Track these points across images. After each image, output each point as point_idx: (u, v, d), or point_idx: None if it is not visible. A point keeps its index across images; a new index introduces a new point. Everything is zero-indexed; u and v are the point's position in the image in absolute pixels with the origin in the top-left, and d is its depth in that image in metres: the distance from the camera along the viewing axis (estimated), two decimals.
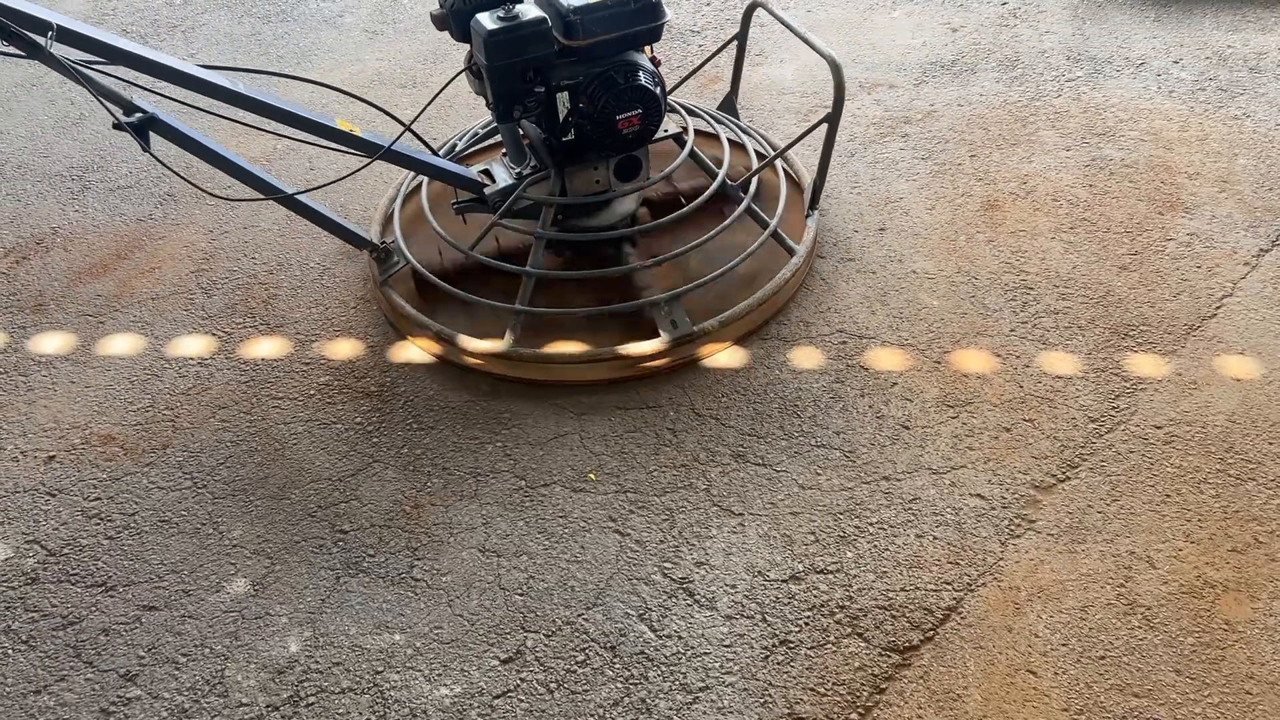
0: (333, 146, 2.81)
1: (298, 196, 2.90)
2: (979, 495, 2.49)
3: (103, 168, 3.96)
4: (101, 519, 2.65)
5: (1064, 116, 3.70)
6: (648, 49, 2.78)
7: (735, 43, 3.37)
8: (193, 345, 3.14)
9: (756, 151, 3.37)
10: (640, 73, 2.68)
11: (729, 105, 3.52)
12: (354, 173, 3.00)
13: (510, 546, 2.48)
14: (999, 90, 3.86)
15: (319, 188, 3.03)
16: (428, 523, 2.56)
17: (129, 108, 2.61)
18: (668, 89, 2.89)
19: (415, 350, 2.99)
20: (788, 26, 3.01)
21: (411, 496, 2.63)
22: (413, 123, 2.87)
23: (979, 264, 3.12)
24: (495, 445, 2.73)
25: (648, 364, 2.82)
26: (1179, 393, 2.68)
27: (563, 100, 2.72)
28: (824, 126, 2.95)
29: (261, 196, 3.14)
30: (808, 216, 3.16)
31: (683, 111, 3.40)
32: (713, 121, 3.37)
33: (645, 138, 2.80)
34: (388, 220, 3.34)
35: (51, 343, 3.20)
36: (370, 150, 2.85)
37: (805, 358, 2.80)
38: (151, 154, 2.55)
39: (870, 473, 2.57)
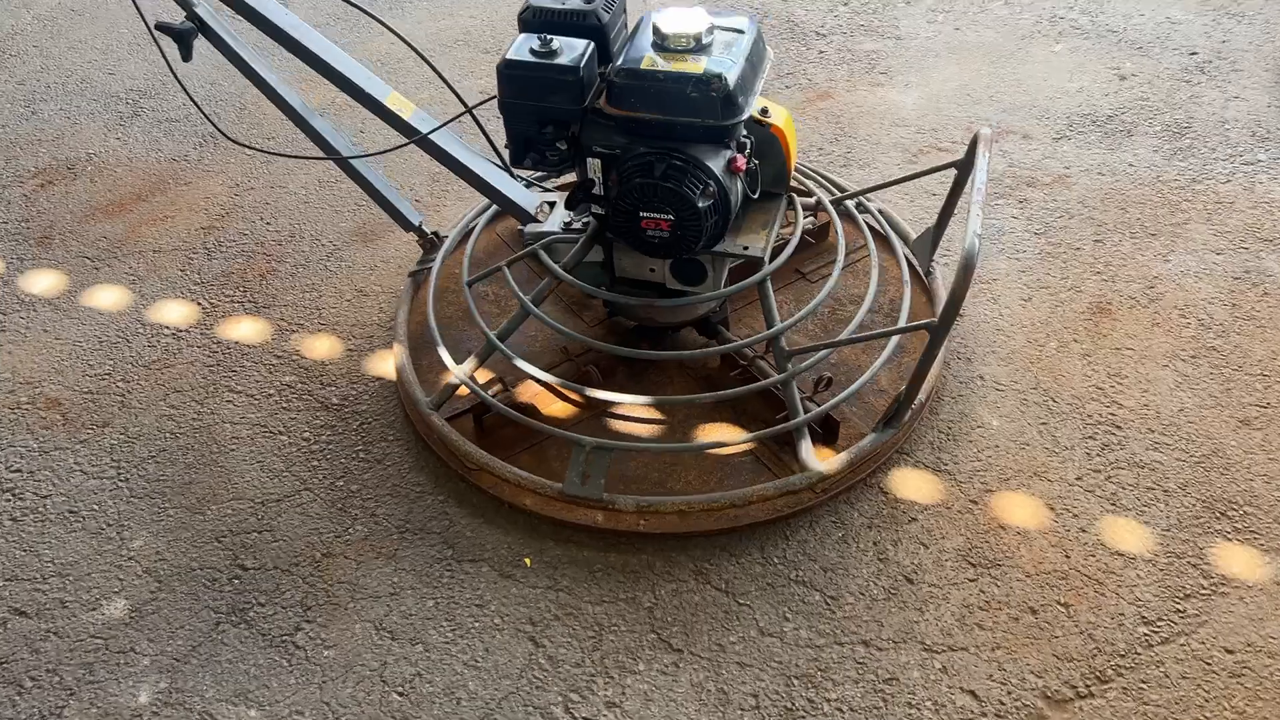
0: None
1: (350, 160, 2.61)
2: (972, 693, 2.00)
3: (160, 95, 3.76)
4: (13, 495, 2.45)
5: (1226, 208, 3.03)
6: (739, 156, 2.21)
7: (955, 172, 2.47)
8: (174, 312, 2.90)
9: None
10: (689, 174, 2.13)
11: (926, 244, 2.72)
12: (384, 151, 2.66)
13: (409, 630, 2.14)
14: (1154, 162, 3.21)
15: (373, 155, 2.67)
16: (332, 578, 2.25)
17: (188, 11, 2.36)
18: (754, 170, 2.30)
19: (393, 363, 2.65)
20: None
21: (327, 542, 2.32)
22: (474, 107, 2.40)
23: (1063, 382, 2.56)
24: (436, 499, 2.39)
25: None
26: (1271, 610, 2.10)
27: (594, 168, 2.26)
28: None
29: (293, 154, 2.87)
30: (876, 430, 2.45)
31: (824, 190, 2.82)
32: (880, 228, 2.83)
33: (676, 249, 2.25)
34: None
35: (42, 282, 3.02)
36: (410, 134, 2.51)
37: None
38: (177, 77, 2.41)
39: (849, 631, 2.10)
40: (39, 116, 3.69)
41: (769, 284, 2.36)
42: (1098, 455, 2.39)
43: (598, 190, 2.28)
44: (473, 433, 2.45)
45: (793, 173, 2.48)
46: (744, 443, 2.34)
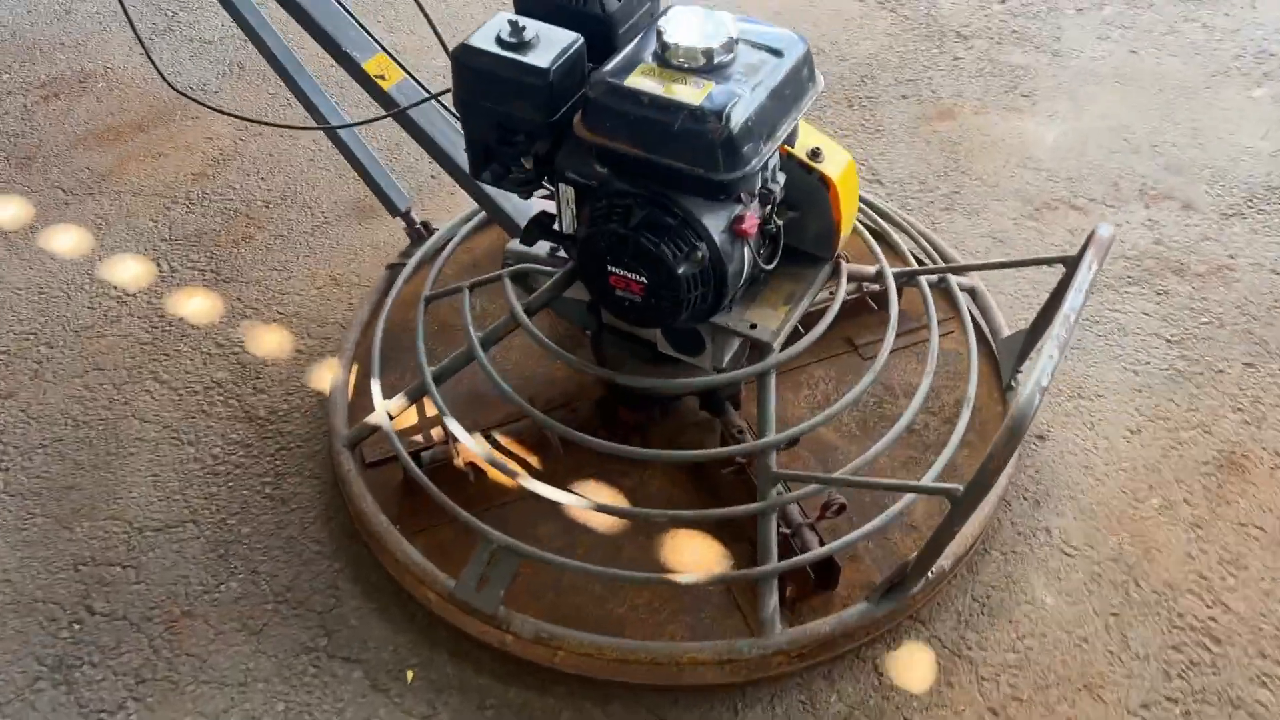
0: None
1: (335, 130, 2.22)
2: None
3: (198, 9, 3.39)
4: None
5: None
6: (748, 215, 1.66)
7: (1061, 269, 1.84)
8: (128, 270, 2.54)
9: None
10: (674, 231, 1.60)
11: (1013, 350, 2.11)
12: (360, 123, 2.21)
13: None
14: None
15: (350, 125, 2.25)
16: (182, 646, 1.86)
17: None
18: (774, 234, 1.78)
19: (330, 379, 2.22)
20: None
21: (193, 596, 1.93)
22: (439, 95, 2.00)
23: (1156, 560, 1.94)
24: (330, 566, 1.96)
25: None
26: None
27: (567, 197, 1.75)
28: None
29: (256, 119, 2.48)
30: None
31: (898, 254, 2.27)
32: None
33: (649, 318, 1.73)
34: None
35: (6, 211, 2.70)
36: (390, 106, 2.07)
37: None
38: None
39: None
40: (71, 18, 3.38)
41: (772, 378, 1.82)
42: (1179, 677, 1.78)
43: (563, 226, 1.77)
44: (397, 487, 2.01)
45: (847, 231, 1.91)
46: (698, 581, 1.81)
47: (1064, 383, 2.23)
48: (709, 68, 1.57)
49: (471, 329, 1.94)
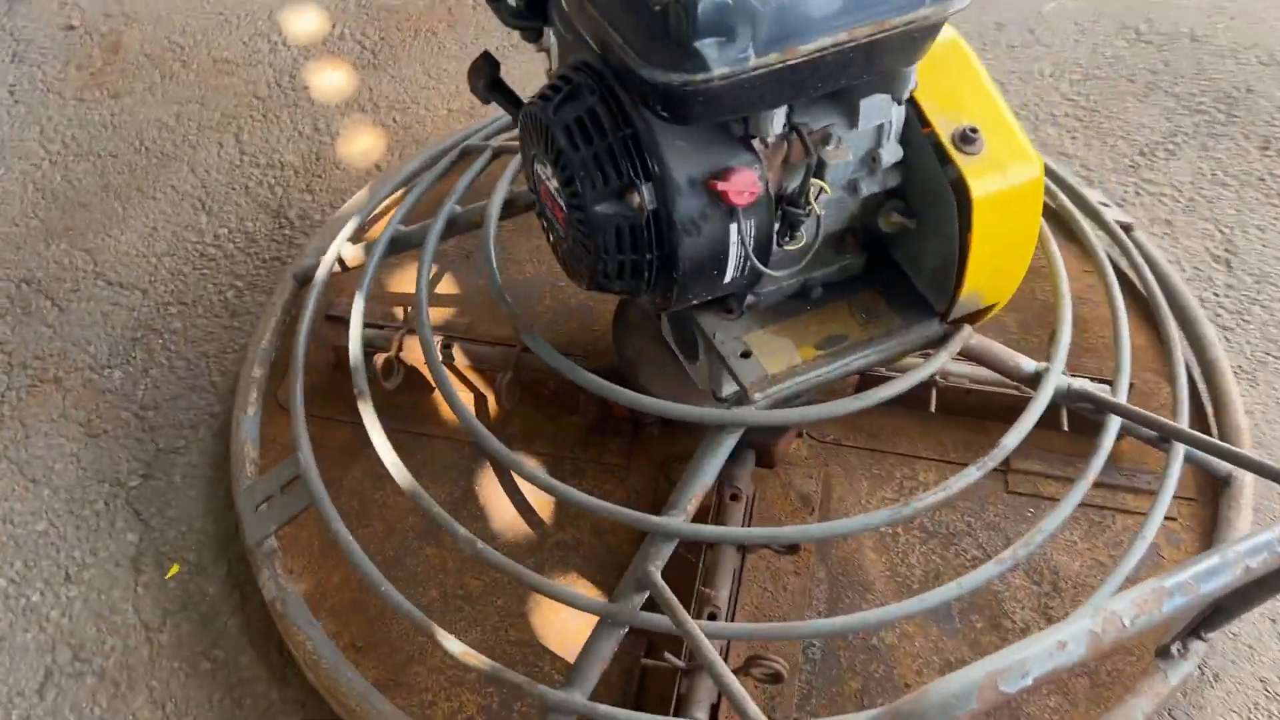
0: None
1: None
2: None
3: None
4: None
5: None
6: (739, 171, 0.99)
7: None
8: (303, 22, 2.29)
9: None
10: (605, 145, 0.99)
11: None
12: None
13: None
14: None
15: None
16: (22, 409, 1.60)
17: None
18: (794, 220, 1.06)
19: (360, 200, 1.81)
20: None
21: (73, 367, 1.67)
22: None
23: None
24: (212, 407, 1.60)
25: None
26: None
27: (552, 49, 1.19)
28: None
29: None
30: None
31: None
32: None
33: (568, 263, 1.13)
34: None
35: None
36: None
37: None
38: None
39: None
40: None
41: (725, 443, 1.15)
42: None
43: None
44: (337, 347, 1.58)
45: (985, 289, 1.15)
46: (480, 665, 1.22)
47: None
48: None
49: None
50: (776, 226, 1.06)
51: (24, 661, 1.33)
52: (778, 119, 0.98)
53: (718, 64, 0.86)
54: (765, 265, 1.07)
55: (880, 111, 1.05)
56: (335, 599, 1.34)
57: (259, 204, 1.90)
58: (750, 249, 1.05)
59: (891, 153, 1.09)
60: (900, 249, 1.21)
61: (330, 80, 2.14)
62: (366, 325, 1.49)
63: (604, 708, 1.08)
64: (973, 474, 1.15)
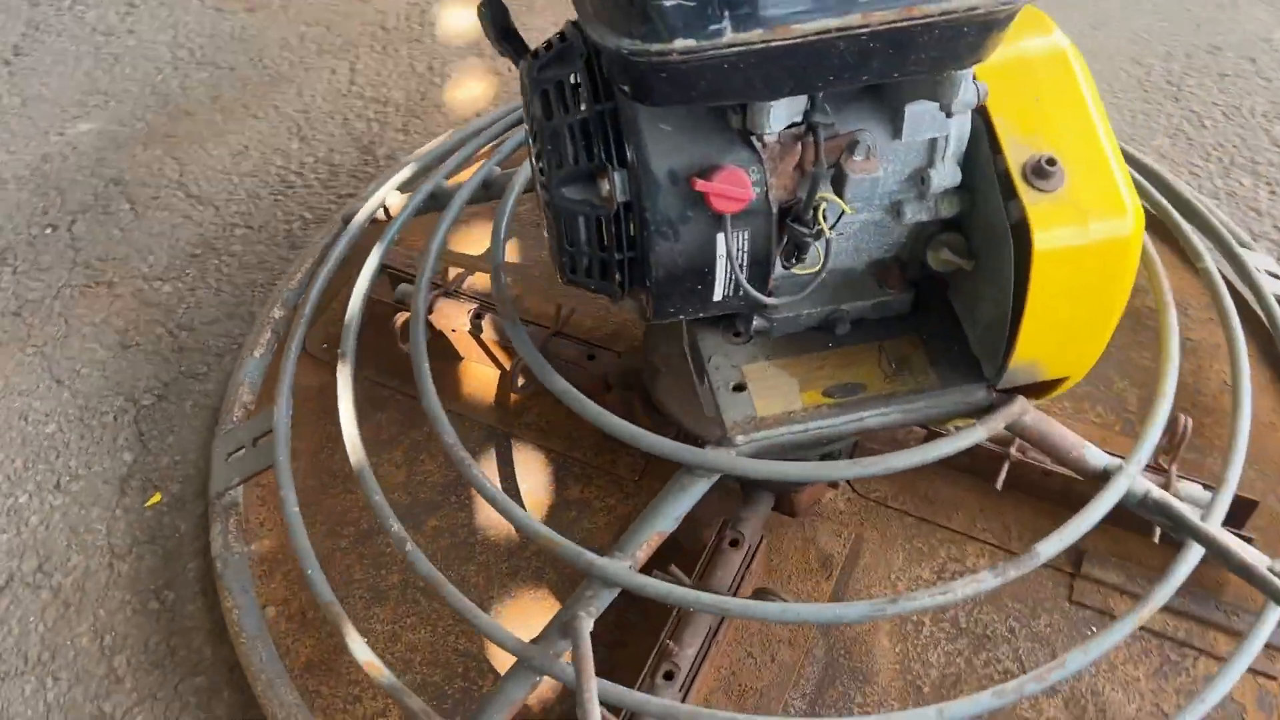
0: None
1: None
2: None
3: None
4: None
5: None
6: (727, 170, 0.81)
7: None
8: None
9: None
10: (580, 117, 0.85)
11: None
12: None
13: None
14: None
15: None
16: (71, 305, 1.60)
17: None
18: (800, 241, 0.85)
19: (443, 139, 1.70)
20: None
21: (132, 275, 1.65)
22: None
23: None
24: (236, 340, 1.55)
25: None
26: None
27: None
28: None
29: None
30: None
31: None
32: None
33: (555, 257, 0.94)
34: None
35: None
36: None
37: None
38: None
39: None
40: None
41: (693, 488, 0.98)
42: None
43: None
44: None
45: (1045, 359, 0.93)
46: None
47: None
48: None
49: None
50: (782, 245, 0.87)
51: None
52: (777, 113, 0.79)
53: (681, 34, 0.68)
54: (762, 288, 0.89)
55: (932, 123, 0.85)
56: (295, 564, 1.26)
57: (352, 137, 1.84)
58: (743, 266, 0.87)
59: (945, 175, 0.88)
60: (956, 294, 1.00)
61: (456, 20, 2.05)
62: (398, 278, 1.39)
63: None
64: (987, 580, 0.93)
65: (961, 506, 1.29)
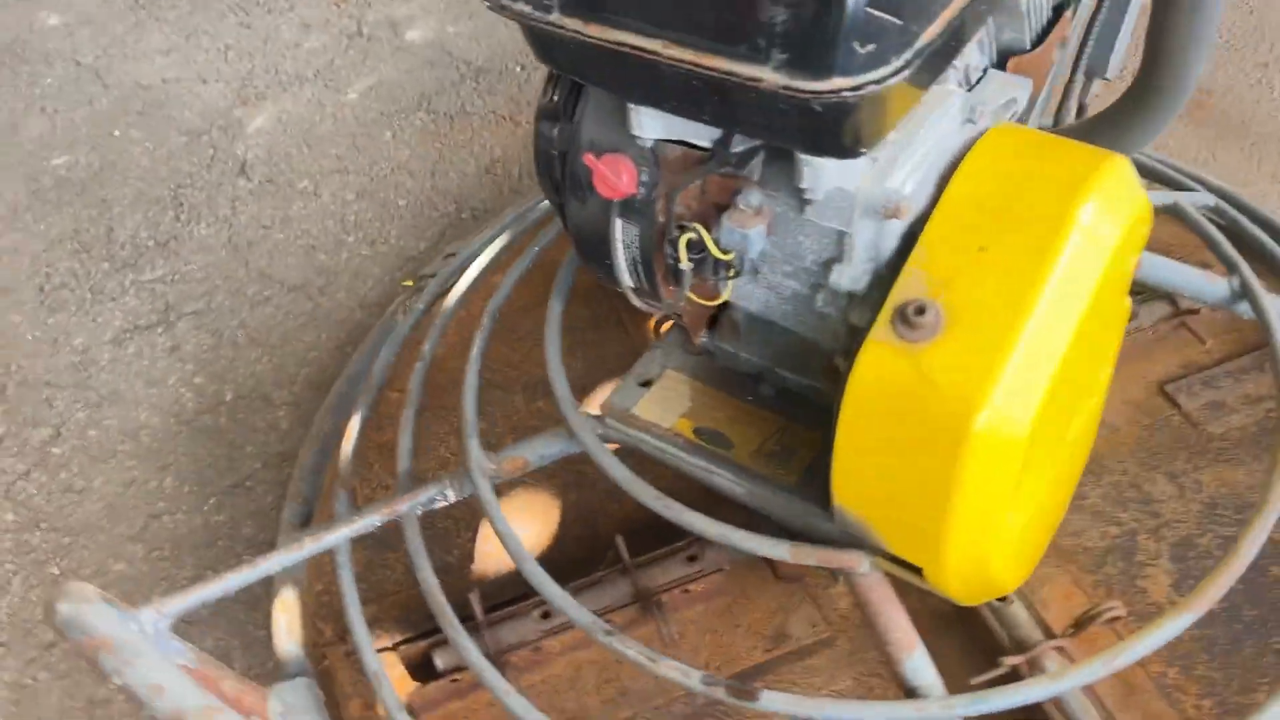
0: None
1: None
2: None
3: None
4: None
5: None
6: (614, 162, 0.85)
7: None
8: None
9: None
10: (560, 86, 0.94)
11: None
12: None
13: None
14: None
15: None
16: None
17: None
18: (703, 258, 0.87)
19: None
20: None
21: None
22: None
23: None
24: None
25: None
26: None
27: None
28: None
29: None
30: None
31: None
32: None
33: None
34: None
35: None
36: None
37: None
38: None
39: None
40: None
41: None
42: None
43: None
44: None
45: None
46: None
47: None
48: None
49: None
50: (668, 257, 0.89)
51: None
52: (649, 121, 0.81)
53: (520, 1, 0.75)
54: (660, 292, 0.92)
55: (837, 215, 0.81)
56: None
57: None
58: (637, 263, 0.90)
59: (846, 277, 0.82)
60: None
61: None
62: None
63: None
64: None
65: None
